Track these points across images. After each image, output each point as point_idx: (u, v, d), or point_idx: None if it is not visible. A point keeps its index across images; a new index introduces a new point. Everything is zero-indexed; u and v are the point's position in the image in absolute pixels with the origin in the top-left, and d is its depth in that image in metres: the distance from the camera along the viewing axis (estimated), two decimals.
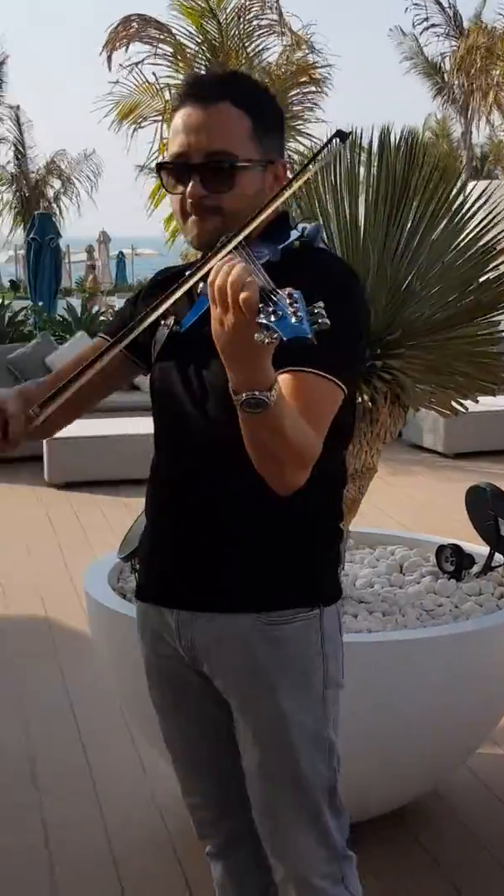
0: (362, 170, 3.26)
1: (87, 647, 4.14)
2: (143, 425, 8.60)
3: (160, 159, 1.93)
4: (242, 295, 1.43)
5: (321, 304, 1.41)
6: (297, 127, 13.26)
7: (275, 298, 1.41)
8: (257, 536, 1.88)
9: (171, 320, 1.90)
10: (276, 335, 1.40)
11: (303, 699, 1.91)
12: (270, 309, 1.41)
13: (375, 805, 3.26)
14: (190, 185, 1.79)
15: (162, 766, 3.28)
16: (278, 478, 1.70)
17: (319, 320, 1.40)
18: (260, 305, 1.41)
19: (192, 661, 1.97)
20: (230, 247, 1.63)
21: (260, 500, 1.77)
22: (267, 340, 1.41)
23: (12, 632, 5.10)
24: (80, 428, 8.34)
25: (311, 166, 1.72)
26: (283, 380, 1.66)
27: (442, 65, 26.47)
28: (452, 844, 3.22)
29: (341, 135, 1.69)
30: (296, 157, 9.65)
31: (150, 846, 3.20)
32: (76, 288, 25.31)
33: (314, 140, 10.05)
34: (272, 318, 1.40)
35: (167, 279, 1.99)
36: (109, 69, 13.15)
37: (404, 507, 7.37)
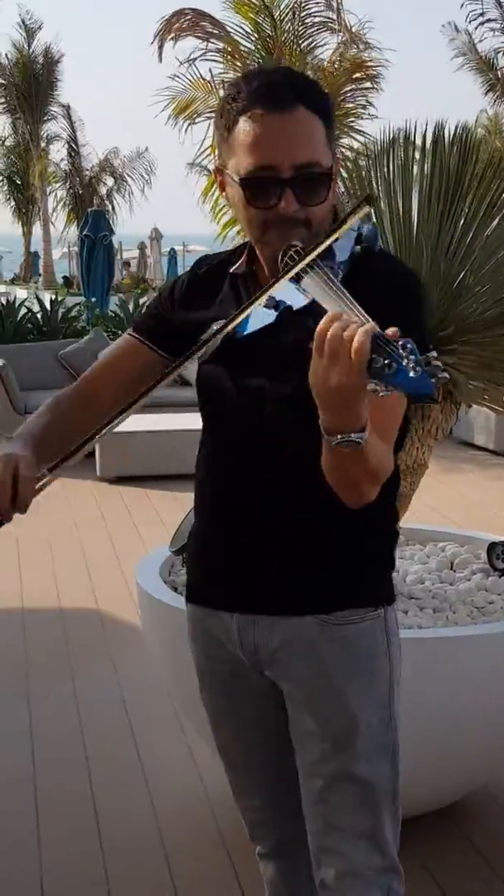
0: (415, 166, 3.26)
1: (138, 640, 4.17)
2: (194, 421, 8.62)
3: (243, 171, 1.75)
4: (355, 345, 1.38)
5: (434, 353, 1.34)
6: (350, 124, 13.21)
7: (388, 349, 1.34)
8: (321, 536, 1.86)
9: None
10: (390, 388, 1.34)
11: (370, 700, 1.88)
12: (384, 361, 1.34)
13: (426, 801, 3.25)
14: (283, 200, 1.71)
15: (213, 760, 3.30)
16: (353, 496, 1.70)
17: (438, 374, 1.32)
18: (372, 356, 1.35)
19: (254, 664, 1.94)
20: (298, 267, 1.64)
21: (322, 501, 1.76)
22: (382, 393, 1.36)
23: (65, 625, 5.15)
24: (131, 423, 8.40)
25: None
26: (382, 401, 1.61)
27: (495, 61, 26.22)
28: (499, 838, 3.21)
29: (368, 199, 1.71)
30: (348, 153, 9.63)
31: (201, 839, 3.22)
32: (126, 284, 25.42)
33: (368, 137, 10.02)
34: (387, 371, 1.33)
35: (209, 273, 1.94)
36: (160, 60, 13.19)
37: (455, 504, 7.33)
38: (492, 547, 3.59)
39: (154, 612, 3.31)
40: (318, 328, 1.44)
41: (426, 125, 3.24)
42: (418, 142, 3.26)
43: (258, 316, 1.74)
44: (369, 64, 13.79)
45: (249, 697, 1.99)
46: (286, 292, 1.67)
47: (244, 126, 1.72)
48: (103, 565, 6.01)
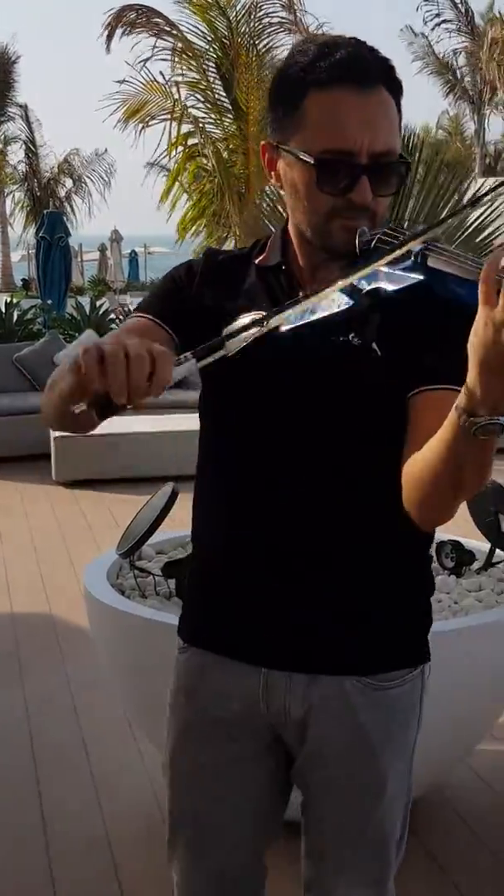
0: None
1: (89, 644, 4.14)
2: (150, 424, 8.65)
3: (315, 151, 1.53)
4: None
5: None
6: None
7: None
8: (381, 583, 1.70)
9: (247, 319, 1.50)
10: None
11: (401, 761, 1.77)
12: None
13: None
14: (358, 187, 1.52)
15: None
16: (446, 510, 1.51)
17: None
18: None
19: (273, 726, 1.76)
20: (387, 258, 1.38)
21: (384, 542, 1.66)
22: None
23: (17, 628, 5.11)
24: None
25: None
26: (438, 401, 1.49)
27: (454, 62, 26.44)
28: (453, 843, 3.21)
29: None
30: None
31: (149, 841, 3.20)
32: (88, 286, 25.34)
33: None
34: None
35: (226, 263, 1.76)
36: (108, 51, 13.16)
37: None
38: (440, 546, 3.60)
39: (101, 616, 3.28)
40: (484, 274, 1.22)
41: None
42: None
43: (331, 302, 1.43)
44: None
45: (252, 758, 1.80)
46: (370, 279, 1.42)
47: (320, 101, 1.53)
48: (56, 569, 5.97)
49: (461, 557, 3.54)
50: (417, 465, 1.49)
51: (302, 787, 1.81)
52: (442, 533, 3.81)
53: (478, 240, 3.39)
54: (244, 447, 1.70)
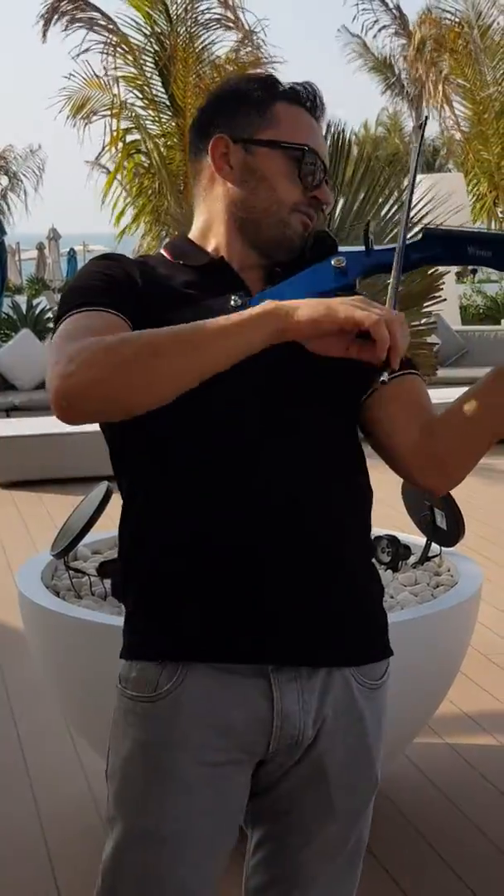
0: None
1: (27, 646, 4.10)
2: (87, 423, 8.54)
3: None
4: None
5: None
6: None
7: None
8: (367, 570, 1.73)
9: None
10: None
11: (380, 763, 1.76)
12: None
13: None
14: (324, 187, 1.71)
15: (102, 765, 3.26)
16: (472, 463, 1.68)
17: None
18: None
19: (281, 750, 1.63)
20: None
21: (361, 526, 1.71)
22: None
23: None
24: (24, 426, 8.32)
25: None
26: (415, 382, 1.71)
27: (391, 60, 26.57)
28: (392, 836, 3.21)
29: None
30: None
31: (87, 846, 3.17)
32: (27, 285, 25.11)
33: None
34: None
35: (153, 266, 1.70)
36: (44, 40, 13.06)
37: None
38: (376, 540, 3.61)
39: (34, 617, 3.25)
40: None
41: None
42: None
43: (319, 274, 1.60)
44: (264, 62, 13.81)
45: (227, 798, 1.64)
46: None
47: (289, 110, 1.70)
48: None
49: (397, 552, 3.56)
50: (464, 424, 1.63)
51: (279, 813, 1.71)
52: (377, 528, 3.82)
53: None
54: (224, 447, 1.59)
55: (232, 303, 1.61)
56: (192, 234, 1.75)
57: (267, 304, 1.46)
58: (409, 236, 1.58)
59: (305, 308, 1.44)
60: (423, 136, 1.64)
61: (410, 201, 1.67)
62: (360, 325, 1.41)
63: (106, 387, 1.44)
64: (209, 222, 1.72)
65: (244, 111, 1.69)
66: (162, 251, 1.75)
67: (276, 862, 1.74)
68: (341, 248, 1.63)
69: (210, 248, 1.71)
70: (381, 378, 1.42)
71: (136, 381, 1.44)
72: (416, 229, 1.62)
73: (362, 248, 1.61)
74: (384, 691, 1.75)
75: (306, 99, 1.72)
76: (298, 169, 1.67)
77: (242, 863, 1.81)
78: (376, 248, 1.61)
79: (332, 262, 1.60)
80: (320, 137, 1.73)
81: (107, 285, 1.60)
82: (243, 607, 1.59)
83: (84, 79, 12.70)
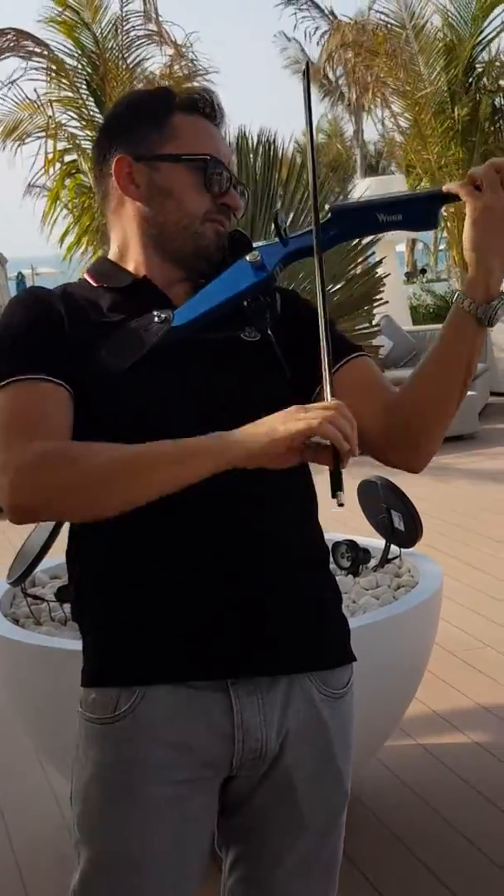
0: None
1: None
2: None
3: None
4: None
5: None
6: None
7: None
8: (323, 574, 1.73)
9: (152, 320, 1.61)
10: None
11: (349, 772, 1.75)
12: None
13: None
14: (232, 192, 1.70)
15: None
16: (453, 408, 1.67)
17: None
18: None
19: (244, 764, 1.62)
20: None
21: (310, 534, 1.71)
22: None
23: None
24: None
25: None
26: (365, 362, 1.73)
27: (327, 66, 26.71)
28: (368, 840, 3.21)
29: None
30: None
31: (61, 871, 3.13)
32: None
33: None
34: None
35: (73, 294, 1.68)
36: None
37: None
38: (336, 546, 3.60)
39: None
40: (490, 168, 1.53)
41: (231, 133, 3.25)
42: None
43: (236, 273, 1.62)
44: (197, 76, 13.85)
45: (193, 817, 1.63)
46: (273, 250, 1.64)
47: (186, 121, 1.69)
48: None
49: (357, 556, 3.55)
50: (428, 384, 1.65)
51: (250, 831, 1.70)
52: (334, 534, 3.82)
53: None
54: None
55: (156, 318, 1.60)
56: (112, 256, 1.75)
57: (212, 442, 1.44)
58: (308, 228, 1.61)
59: (248, 443, 1.42)
60: (308, 84, 1.60)
61: (315, 170, 1.65)
62: (306, 436, 1.39)
63: (57, 505, 1.53)
64: (125, 242, 1.72)
65: (142, 128, 1.68)
66: (85, 276, 1.74)
67: (250, 883, 1.72)
68: (256, 244, 1.66)
69: (130, 267, 1.71)
70: (338, 502, 1.40)
71: (84, 504, 1.50)
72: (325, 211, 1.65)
73: (276, 240, 1.63)
74: (349, 701, 1.73)
75: (204, 106, 1.71)
76: (204, 179, 1.67)
77: (219, 885, 1.79)
78: (290, 235, 1.64)
79: (248, 259, 1.62)
80: (223, 143, 1.73)
81: (37, 341, 1.59)
82: (196, 625, 1.58)
83: (16, 102, 12.66)
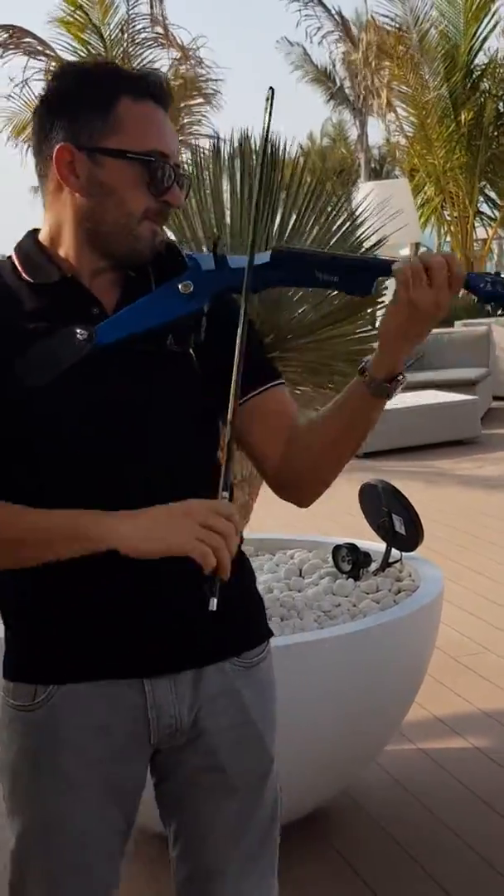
0: (225, 177, 3.25)
1: None
2: None
3: (142, 150, 1.60)
4: (457, 271, 1.53)
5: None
6: (188, 141, 13.30)
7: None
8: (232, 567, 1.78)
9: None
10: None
11: (274, 738, 1.80)
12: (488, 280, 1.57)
13: (287, 811, 3.20)
14: (174, 190, 1.63)
15: None
16: (339, 469, 1.75)
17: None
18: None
19: (162, 738, 1.69)
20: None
21: None
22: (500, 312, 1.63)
23: None
24: None
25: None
26: (281, 393, 1.76)
27: (333, 70, 26.72)
28: (368, 845, 3.21)
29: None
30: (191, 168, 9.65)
31: None
32: None
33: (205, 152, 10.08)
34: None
35: (4, 284, 1.65)
36: None
37: (315, 510, 7.35)
38: (336, 549, 3.60)
39: None
40: (438, 261, 1.53)
41: (232, 137, 3.25)
42: (226, 154, 3.26)
43: (166, 299, 1.59)
44: (203, 80, 13.89)
45: (119, 790, 1.70)
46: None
47: (132, 109, 1.60)
48: None
49: (358, 560, 3.55)
50: (323, 437, 1.70)
51: (183, 801, 1.76)
52: (335, 537, 3.82)
53: (351, 241, 3.41)
54: (81, 475, 1.61)
55: (79, 335, 1.55)
56: (42, 237, 1.69)
57: (103, 532, 1.51)
58: (258, 256, 1.58)
59: (142, 546, 1.51)
60: (271, 110, 1.55)
61: (259, 204, 1.64)
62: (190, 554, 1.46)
63: None
64: (58, 228, 1.66)
65: (86, 113, 1.59)
66: (13, 257, 1.68)
67: (188, 855, 1.79)
68: (197, 256, 1.63)
69: (61, 252, 1.65)
70: (209, 607, 1.45)
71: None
72: (268, 251, 1.63)
73: (212, 266, 1.61)
74: (264, 668, 1.79)
75: (151, 89, 1.62)
76: (149, 178, 1.60)
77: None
78: (228, 265, 1.61)
79: (179, 288, 1.59)
80: (169, 132, 1.64)
81: None
82: (105, 628, 1.65)
83: (25, 102, 12.71)
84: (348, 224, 3.42)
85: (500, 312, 1.62)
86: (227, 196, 3.25)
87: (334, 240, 3.30)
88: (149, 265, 1.65)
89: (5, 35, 12.21)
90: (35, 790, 1.67)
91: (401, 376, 1.62)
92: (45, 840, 1.67)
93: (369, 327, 3.48)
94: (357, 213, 3.48)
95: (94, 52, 12.56)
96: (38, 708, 1.66)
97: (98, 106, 1.59)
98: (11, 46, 12.26)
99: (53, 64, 12.31)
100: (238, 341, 1.49)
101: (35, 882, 1.69)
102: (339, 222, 3.34)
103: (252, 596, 1.81)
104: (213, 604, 1.43)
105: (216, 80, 13.74)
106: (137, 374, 1.63)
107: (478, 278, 1.56)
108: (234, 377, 1.49)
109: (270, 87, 1.53)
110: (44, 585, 1.63)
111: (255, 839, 1.78)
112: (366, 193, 7.37)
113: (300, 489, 1.79)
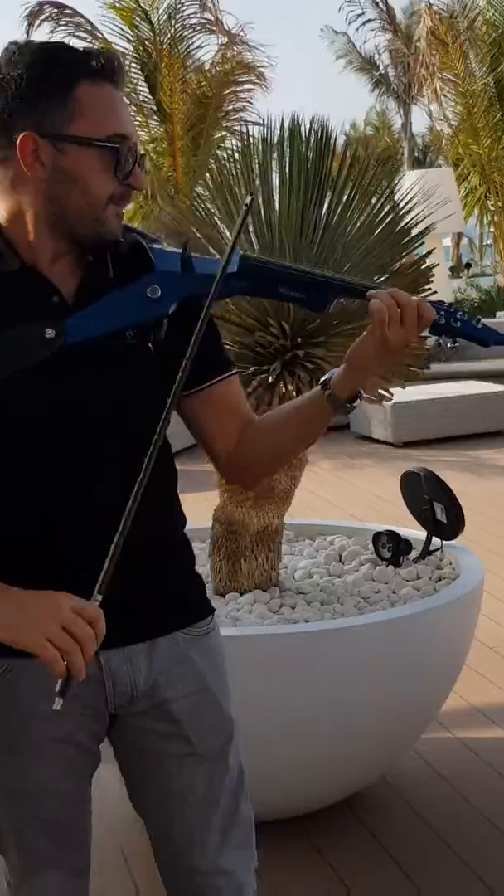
0: (274, 162, 3.26)
1: None
2: None
3: (104, 135, 1.61)
4: (425, 312, 1.62)
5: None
6: (233, 128, 13.31)
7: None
8: (178, 546, 1.85)
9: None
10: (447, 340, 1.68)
11: (230, 705, 1.86)
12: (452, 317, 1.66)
13: (324, 796, 3.25)
14: (136, 172, 1.64)
15: None
16: (281, 466, 1.93)
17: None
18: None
19: (120, 706, 1.75)
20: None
21: (171, 508, 1.83)
22: (450, 345, 1.68)
23: None
24: None
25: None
26: (235, 384, 1.83)
27: (377, 58, 26.62)
28: (404, 832, 3.22)
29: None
30: (237, 155, 9.63)
31: None
32: None
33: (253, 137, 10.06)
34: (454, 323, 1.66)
35: None
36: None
37: (353, 498, 7.38)
38: (377, 536, 3.61)
39: None
40: (393, 302, 1.60)
41: (282, 121, 3.25)
42: (275, 139, 3.26)
43: (131, 302, 1.62)
44: (250, 64, 13.86)
45: (81, 755, 1.79)
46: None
47: (91, 92, 1.60)
48: None
49: (398, 547, 3.56)
50: (275, 435, 1.81)
51: (151, 771, 1.81)
52: (376, 524, 3.83)
53: (396, 230, 3.41)
54: (42, 458, 1.65)
55: (47, 335, 1.58)
56: (1, 220, 1.66)
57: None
58: (227, 265, 1.57)
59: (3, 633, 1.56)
60: (247, 213, 1.61)
61: (239, 231, 1.62)
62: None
63: None
64: (20, 213, 1.65)
65: (47, 99, 1.59)
66: None
67: (160, 826, 1.84)
68: (158, 264, 1.65)
69: (19, 238, 1.65)
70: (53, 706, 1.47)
71: None
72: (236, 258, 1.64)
73: (178, 269, 1.63)
74: (213, 637, 1.85)
75: (107, 70, 1.62)
76: (113, 164, 1.61)
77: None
78: (194, 269, 1.63)
79: (147, 293, 1.62)
80: (125, 112, 1.65)
81: None
82: None
83: None
84: (392, 215, 3.41)
85: (449, 345, 1.68)
86: (275, 178, 3.26)
87: (380, 228, 3.30)
88: (107, 250, 1.68)
89: (54, 10, 12.27)
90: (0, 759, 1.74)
91: (361, 395, 1.73)
92: (13, 802, 1.74)
93: None
94: (402, 202, 3.47)
95: (142, 36, 12.59)
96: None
97: (57, 92, 1.59)
98: (63, 24, 12.31)
99: (99, 44, 12.36)
100: (186, 356, 1.52)
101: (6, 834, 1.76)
102: (385, 210, 3.33)
103: (194, 577, 1.87)
104: (58, 704, 1.45)
105: (265, 65, 13.71)
106: (97, 367, 1.65)
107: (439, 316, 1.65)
108: (169, 400, 1.53)
109: (251, 194, 1.56)
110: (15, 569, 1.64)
111: (227, 807, 1.82)
112: (411, 182, 7.34)
113: (247, 476, 1.95)
